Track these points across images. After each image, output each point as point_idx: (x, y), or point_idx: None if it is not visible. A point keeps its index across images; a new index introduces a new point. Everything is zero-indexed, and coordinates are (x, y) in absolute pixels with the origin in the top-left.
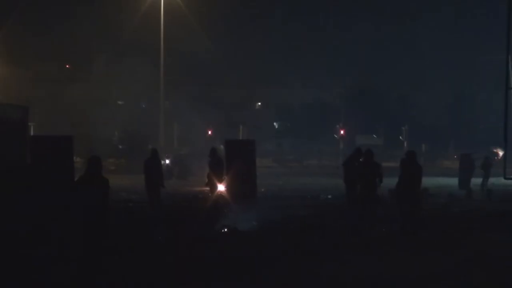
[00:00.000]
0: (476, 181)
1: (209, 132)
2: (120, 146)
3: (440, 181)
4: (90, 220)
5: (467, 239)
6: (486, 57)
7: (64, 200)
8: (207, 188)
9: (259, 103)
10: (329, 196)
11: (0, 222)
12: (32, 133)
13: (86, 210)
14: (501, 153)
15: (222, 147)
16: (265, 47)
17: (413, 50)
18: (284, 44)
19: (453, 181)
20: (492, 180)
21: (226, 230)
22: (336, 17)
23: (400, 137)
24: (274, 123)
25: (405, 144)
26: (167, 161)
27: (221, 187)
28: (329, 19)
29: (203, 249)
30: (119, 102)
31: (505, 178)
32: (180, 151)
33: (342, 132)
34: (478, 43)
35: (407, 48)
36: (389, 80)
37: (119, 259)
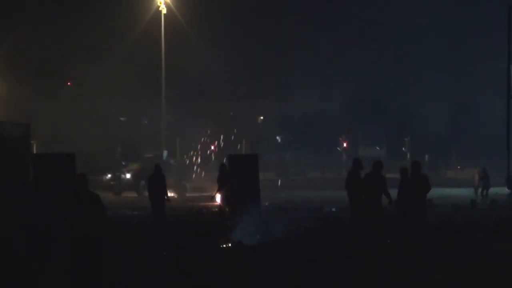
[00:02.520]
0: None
1: (212, 147)
2: (124, 163)
3: (444, 191)
4: (81, 236)
5: (471, 248)
6: (486, 65)
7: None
8: (216, 203)
9: (262, 117)
10: (333, 209)
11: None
12: (34, 151)
13: (75, 227)
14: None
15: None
16: (267, 60)
17: (413, 60)
18: (286, 57)
19: (457, 192)
20: (496, 190)
21: (230, 244)
22: (337, 28)
23: (403, 148)
24: (277, 137)
25: (408, 155)
26: (128, 175)
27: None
28: (330, 31)
29: (208, 263)
30: (121, 118)
31: (509, 188)
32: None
33: (344, 144)
34: (478, 52)
35: (407, 58)
36: (390, 90)
37: (122, 273)
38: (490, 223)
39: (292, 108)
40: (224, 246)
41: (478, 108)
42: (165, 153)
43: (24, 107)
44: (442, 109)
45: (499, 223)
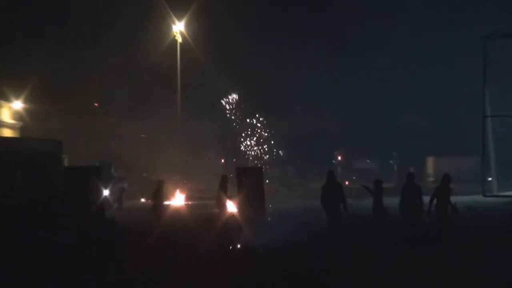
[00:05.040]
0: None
1: (222, 161)
2: (144, 174)
3: (426, 199)
4: None
5: (454, 252)
6: (466, 88)
7: None
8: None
9: (266, 134)
10: None
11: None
12: (65, 164)
13: None
14: None
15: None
16: (272, 83)
17: (402, 82)
18: (289, 81)
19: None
20: (472, 198)
21: (238, 247)
22: (334, 55)
23: (391, 161)
24: (280, 151)
25: (395, 168)
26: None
27: (233, 209)
28: (328, 57)
29: (219, 266)
30: (142, 135)
31: (484, 196)
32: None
33: (340, 158)
34: (460, 73)
35: (396, 80)
36: (381, 110)
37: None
38: (471, 229)
39: (294, 126)
40: (231, 248)
41: (458, 125)
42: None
43: (56, 125)
44: (427, 126)
45: (477, 229)
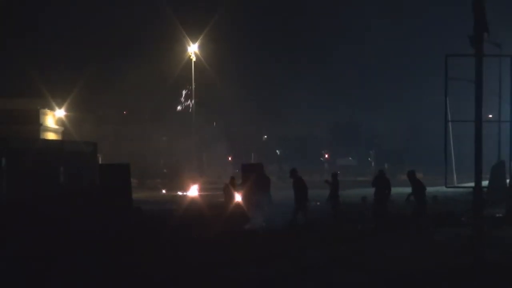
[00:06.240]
0: None
1: (229, 158)
2: (165, 170)
3: (399, 190)
4: None
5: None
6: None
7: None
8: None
9: (265, 136)
10: (318, 203)
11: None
12: (100, 162)
13: None
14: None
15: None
16: (271, 94)
17: (378, 93)
18: (285, 92)
19: (409, 190)
20: (437, 188)
21: (245, 228)
22: (321, 73)
23: (369, 159)
24: (277, 151)
25: (373, 164)
26: None
27: (238, 198)
28: (316, 75)
29: (230, 241)
30: (163, 138)
31: (446, 187)
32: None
33: (326, 156)
34: (428, 85)
35: (374, 93)
36: (361, 116)
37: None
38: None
39: (289, 130)
40: (238, 230)
41: (426, 129)
42: None
43: (93, 130)
44: (399, 130)
45: (439, 214)
